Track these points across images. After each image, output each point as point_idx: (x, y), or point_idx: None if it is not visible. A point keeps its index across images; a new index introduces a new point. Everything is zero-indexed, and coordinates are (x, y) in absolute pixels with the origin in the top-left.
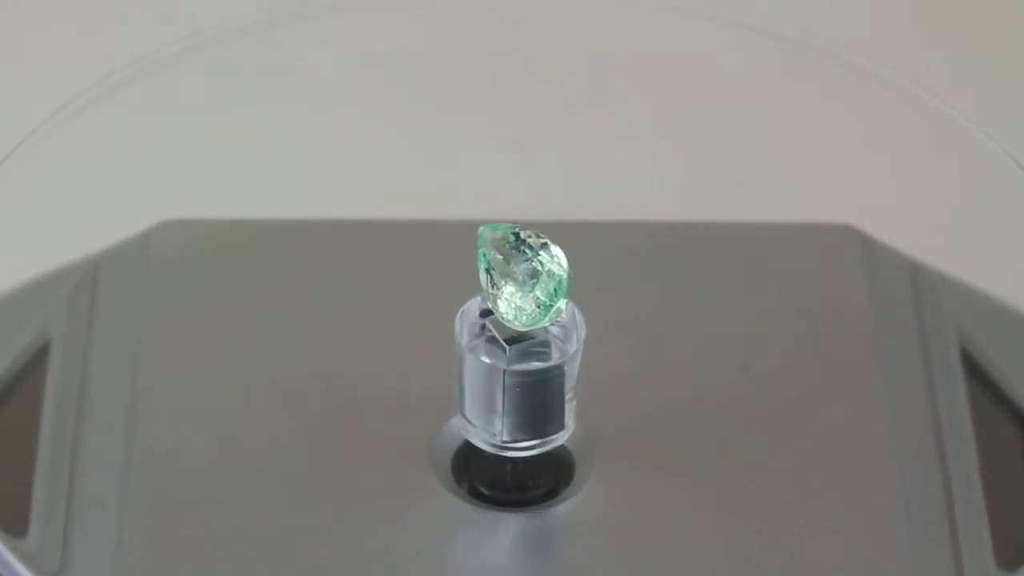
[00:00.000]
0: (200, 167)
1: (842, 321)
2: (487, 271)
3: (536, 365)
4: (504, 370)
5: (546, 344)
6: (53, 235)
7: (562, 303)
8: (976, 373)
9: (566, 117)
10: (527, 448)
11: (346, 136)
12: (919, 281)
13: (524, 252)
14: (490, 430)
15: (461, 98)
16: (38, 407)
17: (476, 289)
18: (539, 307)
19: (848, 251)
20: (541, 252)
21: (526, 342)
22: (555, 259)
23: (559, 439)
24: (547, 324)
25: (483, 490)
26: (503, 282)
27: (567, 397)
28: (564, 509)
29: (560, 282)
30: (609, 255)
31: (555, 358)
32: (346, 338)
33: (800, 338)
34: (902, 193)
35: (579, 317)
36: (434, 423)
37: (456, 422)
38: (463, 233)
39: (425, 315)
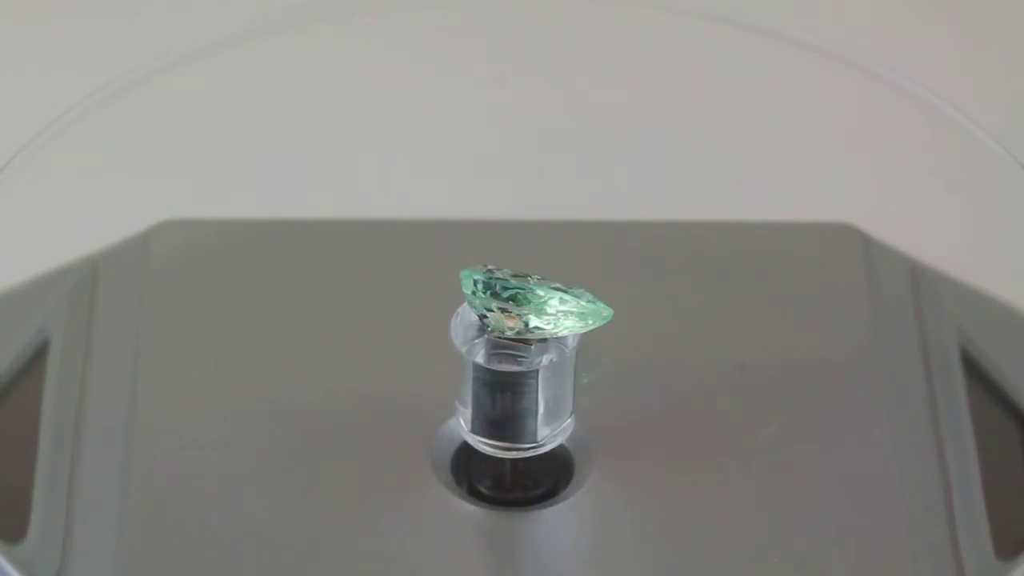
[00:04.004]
0: (200, 167)
1: (842, 321)
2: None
3: (533, 366)
4: (501, 371)
5: (543, 345)
6: (53, 235)
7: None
8: (976, 373)
9: (565, 117)
10: (526, 449)
11: (346, 136)
12: (919, 281)
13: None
14: (488, 431)
15: (461, 98)
16: (37, 407)
17: None
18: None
19: (848, 251)
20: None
21: (523, 343)
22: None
23: (558, 439)
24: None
25: (483, 490)
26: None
27: (566, 398)
28: (564, 509)
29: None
30: (609, 255)
31: (552, 359)
32: (346, 338)
33: (800, 338)
34: (902, 193)
35: None
36: (434, 423)
37: (456, 422)
38: (463, 233)
39: (425, 315)
